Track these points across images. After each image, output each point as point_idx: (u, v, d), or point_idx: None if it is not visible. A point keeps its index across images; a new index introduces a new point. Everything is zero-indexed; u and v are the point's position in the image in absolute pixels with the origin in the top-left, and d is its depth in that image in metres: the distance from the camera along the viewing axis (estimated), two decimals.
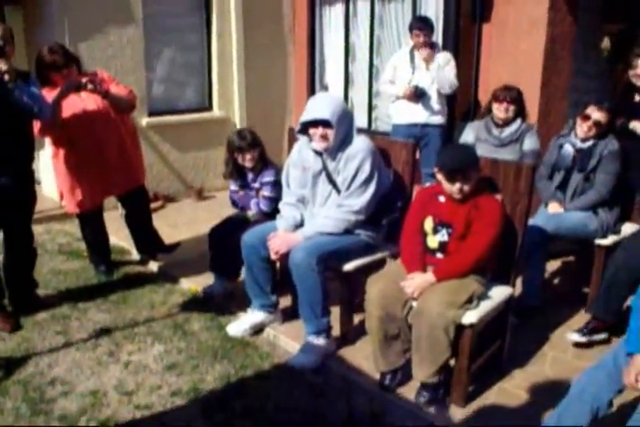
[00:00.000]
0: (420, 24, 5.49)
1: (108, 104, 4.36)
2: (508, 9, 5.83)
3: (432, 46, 5.53)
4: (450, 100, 5.84)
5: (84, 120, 4.30)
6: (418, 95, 5.49)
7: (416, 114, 5.62)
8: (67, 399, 3.25)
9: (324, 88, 7.60)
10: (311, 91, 7.63)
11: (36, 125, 4.09)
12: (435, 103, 5.59)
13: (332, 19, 7.32)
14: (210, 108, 7.20)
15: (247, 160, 4.18)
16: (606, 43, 6.68)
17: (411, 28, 5.52)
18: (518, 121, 4.45)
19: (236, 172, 4.30)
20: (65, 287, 4.66)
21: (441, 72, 5.46)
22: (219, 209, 6.24)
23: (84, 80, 4.16)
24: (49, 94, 4.09)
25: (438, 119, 5.66)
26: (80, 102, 4.31)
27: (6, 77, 3.56)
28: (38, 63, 4.25)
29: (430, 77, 5.52)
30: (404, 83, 5.59)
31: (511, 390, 3.28)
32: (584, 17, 6.06)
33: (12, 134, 3.78)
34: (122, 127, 4.50)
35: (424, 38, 5.45)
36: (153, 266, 5.07)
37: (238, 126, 7.27)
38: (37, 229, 4.36)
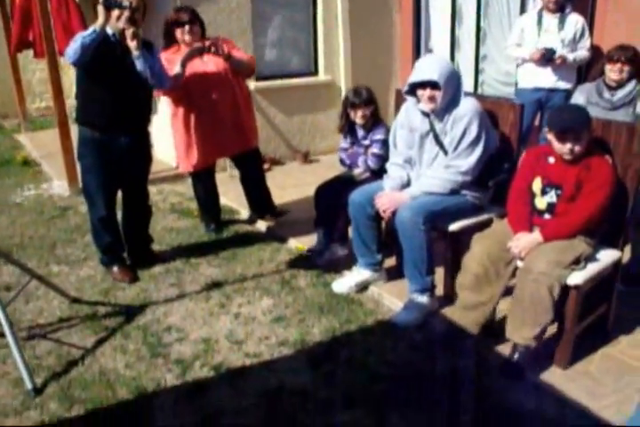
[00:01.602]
0: None
1: (227, 68, 4.54)
2: None
3: (562, 8, 5.40)
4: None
5: (204, 82, 4.52)
6: (547, 58, 5.36)
7: (544, 78, 5.52)
8: (181, 345, 3.46)
9: (430, 51, 7.52)
10: (417, 54, 7.56)
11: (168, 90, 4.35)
12: (563, 68, 5.46)
13: None
14: (316, 72, 7.27)
15: (359, 117, 4.24)
16: None
17: None
18: (633, 82, 4.30)
19: (348, 127, 4.37)
20: (177, 244, 4.90)
21: (574, 54, 5.36)
22: (324, 172, 6.29)
23: (207, 43, 4.39)
24: (174, 56, 4.37)
25: (565, 84, 5.53)
26: (202, 65, 4.51)
27: (134, 44, 3.75)
28: (166, 23, 4.53)
29: (559, 40, 5.38)
30: (531, 45, 5.48)
31: (616, 355, 3.24)
32: None
33: (132, 97, 3.98)
34: (238, 91, 4.67)
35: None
36: (261, 226, 5.23)
37: (343, 90, 7.33)
38: (151, 190, 4.56)
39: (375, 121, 4.28)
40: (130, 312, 3.83)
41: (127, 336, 3.56)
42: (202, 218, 5.20)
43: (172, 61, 4.37)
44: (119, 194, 4.30)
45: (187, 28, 4.45)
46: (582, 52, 5.44)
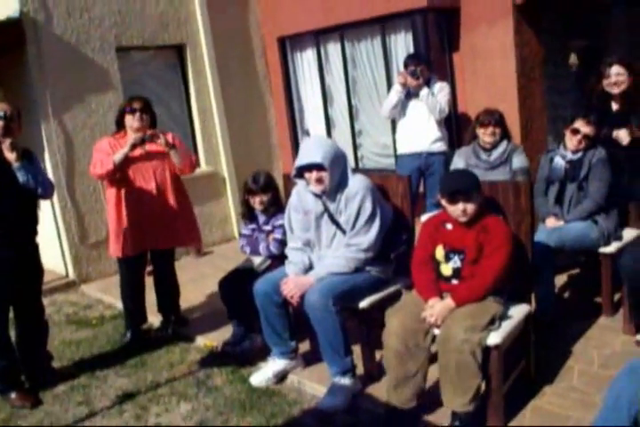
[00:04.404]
0: (415, 60, 5.61)
1: (166, 163, 4.56)
2: (474, 37, 6.01)
3: (427, 80, 5.66)
4: (450, 128, 5.94)
5: (139, 172, 4.50)
6: (413, 74, 5.52)
7: (419, 142, 5.72)
8: None
9: (306, 133, 7.71)
10: (294, 135, 7.76)
11: (97, 170, 4.41)
12: (434, 131, 5.70)
13: (305, 64, 7.50)
14: (197, 164, 7.24)
15: (257, 203, 4.23)
16: (573, 58, 6.87)
17: (406, 65, 5.63)
18: (504, 142, 4.57)
19: (249, 213, 4.35)
20: (79, 357, 4.62)
21: (433, 98, 5.57)
22: (220, 263, 6.29)
23: (149, 132, 4.40)
24: (119, 141, 4.43)
25: (440, 146, 5.76)
26: (141, 155, 4.49)
27: (13, 156, 3.63)
28: (119, 109, 4.63)
29: (425, 105, 5.63)
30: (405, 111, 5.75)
31: (545, 406, 3.28)
32: (549, 37, 6.26)
33: (15, 209, 3.81)
34: (172, 187, 4.62)
35: (420, 74, 5.57)
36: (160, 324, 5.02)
37: (227, 179, 7.36)
38: (43, 302, 4.33)
39: (277, 206, 4.26)
40: None
41: None
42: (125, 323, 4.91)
43: (115, 146, 4.41)
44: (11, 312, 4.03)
45: (137, 115, 4.44)
46: (441, 99, 5.62)
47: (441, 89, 5.67)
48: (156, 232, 4.60)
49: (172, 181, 4.61)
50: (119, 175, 4.46)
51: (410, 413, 3.21)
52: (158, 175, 4.54)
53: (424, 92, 5.57)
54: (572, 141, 4.16)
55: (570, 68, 6.86)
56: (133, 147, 4.38)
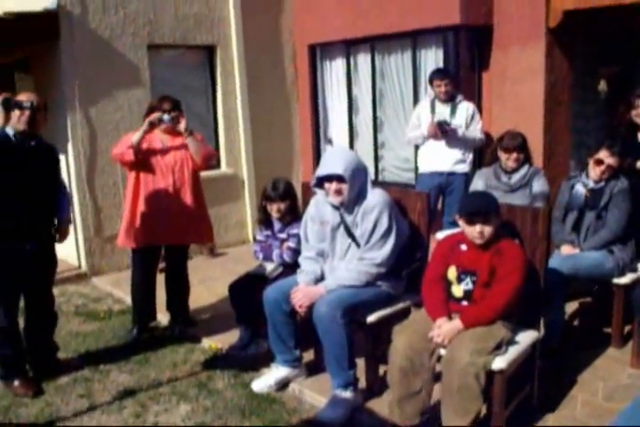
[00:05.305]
0: (440, 74, 5.64)
1: (186, 157, 4.61)
2: (505, 58, 6.01)
3: (453, 97, 5.68)
4: (475, 149, 5.96)
5: (157, 164, 4.56)
6: (443, 130, 5.55)
7: (442, 162, 5.72)
8: None
9: (329, 142, 7.73)
10: (317, 144, 7.77)
11: (116, 149, 4.51)
12: (458, 152, 5.69)
13: (334, 73, 7.52)
14: (218, 165, 7.29)
15: (274, 210, 4.23)
16: (603, 85, 6.83)
17: (431, 80, 5.65)
18: (526, 166, 4.55)
19: (265, 219, 4.35)
20: (85, 350, 4.65)
21: (468, 133, 5.59)
22: (232, 265, 6.29)
23: (172, 114, 4.52)
24: (146, 136, 4.51)
25: (463, 167, 5.74)
26: (162, 149, 4.58)
27: None
28: (149, 107, 4.73)
29: (453, 123, 5.63)
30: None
31: None
32: (580, 62, 6.23)
33: (35, 200, 3.86)
34: (190, 183, 4.65)
35: (445, 88, 5.59)
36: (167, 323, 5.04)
37: (246, 182, 7.38)
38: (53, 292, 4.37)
39: (294, 215, 4.26)
40: None
41: None
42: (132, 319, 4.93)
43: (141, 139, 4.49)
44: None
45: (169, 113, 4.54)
46: (473, 132, 5.68)
47: (473, 118, 5.68)
48: (169, 227, 4.62)
49: (189, 179, 4.64)
50: (138, 163, 4.49)
51: None
52: (177, 171, 4.58)
53: (460, 131, 5.59)
54: (594, 171, 4.13)
55: (599, 95, 6.83)
56: (151, 126, 4.46)
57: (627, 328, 4.28)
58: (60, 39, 5.99)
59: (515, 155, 4.46)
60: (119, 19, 6.33)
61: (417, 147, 6.10)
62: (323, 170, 3.62)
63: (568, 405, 3.53)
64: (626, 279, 4.10)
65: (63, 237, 4.20)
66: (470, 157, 5.82)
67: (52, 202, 4.02)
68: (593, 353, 4.15)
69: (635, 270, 4.18)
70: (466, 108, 5.70)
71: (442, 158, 5.71)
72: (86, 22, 6.11)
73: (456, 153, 5.69)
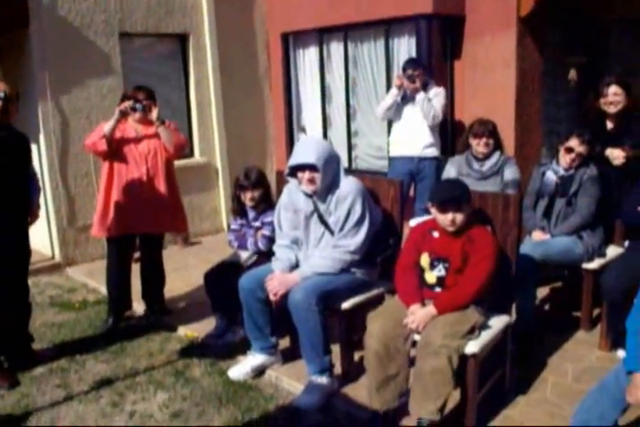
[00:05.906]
0: (413, 64, 5.66)
1: (158, 147, 4.62)
2: (477, 47, 6.05)
3: (425, 85, 5.70)
4: (445, 135, 6.01)
5: (130, 153, 4.57)
6: (410, 77, 5.58)
7: (412, 147, 5.76)
8: None
9: (302, 130, 7.73)
10: (290, 132, 7.77)
11: (88, 140, 4.52)
12: (427, 136, 5.74)
13: (307, 61, 7.50)
14: (191, 154, 7.27)
15: (248, 199, 4.26)
16: (572, 74, 6.91)
17: (404, 69, 5.67)
18: (497, 153, 4.61)
19: (239, 208, 4.38)
20: (60, 340, 4.64)
21: (428, 104, 5.61)
22: (206, 254, 6.30)
23: (144, 102, 4.54)
24: (120, 126, 4.53)
25: (432, 151, 5.80)
26: (135, 138, 4.59)
27: None
28: (122, 96, 4.81)
29: (420, 110, 5.67)
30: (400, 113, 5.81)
31: (516, 417, 3.32)
32: (550, 51, 6.30)
33: (8, 193, 3.83)
34: (162, 172, 4.66)
35: (417, 78, 5.61)
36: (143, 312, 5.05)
37: (220, 171, 7.37)
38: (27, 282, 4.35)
39: (267, 203, 4.30)
40: (10, 423, 3.53)
41: None
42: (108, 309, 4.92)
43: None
44: None
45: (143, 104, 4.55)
46: (435, 105, 5.67)
47: (437, 94, 5.71)
48: (143, 216, 4.63)
49: (163, 167, 4.65)
50: (111, 153, 4.50)
51: (376, 415, 3.25)
52: (150, 160, 4.59)
53: (420, 96, 5.61)
54: (565, 159, 4.20)
55: (568, 84, 6.90)
56: (123, 115, 4.46)
57: (595, 312, 4.37)
58: (29, 27, 5.92)
59: (484, 139, 4.53)
60: (89, 6, 6.26)
61: (389, 134, 6.11)
62: (296, 159, 3.64)
63: (539, 387, 3.61)
64: (594, 264, 4.18)
65: (33, 219, 4.19)
66: (439, 141, 5.89)
67: (23, 192, 3.99)
68: (563, 336, 4.24)
69: (603, 255, 4.27)
70: (434, 89, 5.74)
71: (412, 142, 5.77)
72: (56, 9, 6.04)
73: (425, 137, 5.74)
